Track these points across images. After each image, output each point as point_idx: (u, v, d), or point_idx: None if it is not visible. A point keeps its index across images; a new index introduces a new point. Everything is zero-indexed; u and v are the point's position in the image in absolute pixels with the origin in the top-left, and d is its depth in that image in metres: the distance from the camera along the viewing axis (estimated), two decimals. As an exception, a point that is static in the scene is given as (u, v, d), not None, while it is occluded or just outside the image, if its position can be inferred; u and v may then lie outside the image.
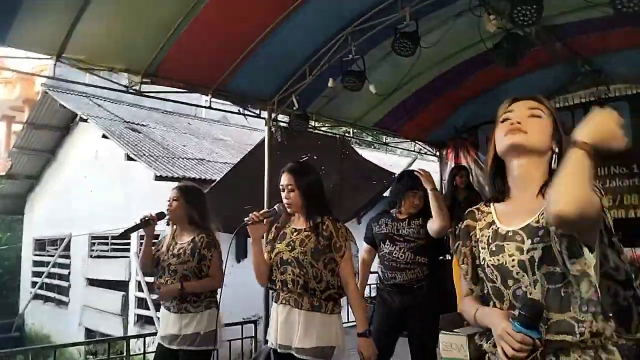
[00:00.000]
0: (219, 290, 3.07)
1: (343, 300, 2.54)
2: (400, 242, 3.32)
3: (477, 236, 1.47)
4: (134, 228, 2.99)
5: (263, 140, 5.41)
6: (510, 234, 1.36)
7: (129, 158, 8.04)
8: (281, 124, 5.35)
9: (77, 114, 9.80)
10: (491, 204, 1.49)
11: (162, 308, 3.08)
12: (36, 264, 12.61)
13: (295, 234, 2.52)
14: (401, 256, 3.28)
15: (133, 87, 4.33)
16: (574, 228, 1.18)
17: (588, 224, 1.17)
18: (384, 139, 7.54)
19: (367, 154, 8.67)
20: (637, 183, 5.52)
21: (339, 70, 4.49)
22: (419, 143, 7.41)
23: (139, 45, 4.04)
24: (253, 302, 5.37)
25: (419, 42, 4.03)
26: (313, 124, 5.74)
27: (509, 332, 1.23)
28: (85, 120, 9.48)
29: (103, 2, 3.47)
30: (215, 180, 7.08)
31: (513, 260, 1.32)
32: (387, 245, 3.35)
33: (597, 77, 5.58)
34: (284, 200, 2.51)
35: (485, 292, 1.44)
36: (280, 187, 2.53)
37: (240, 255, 7.64)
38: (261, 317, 5.07)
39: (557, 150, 1.37)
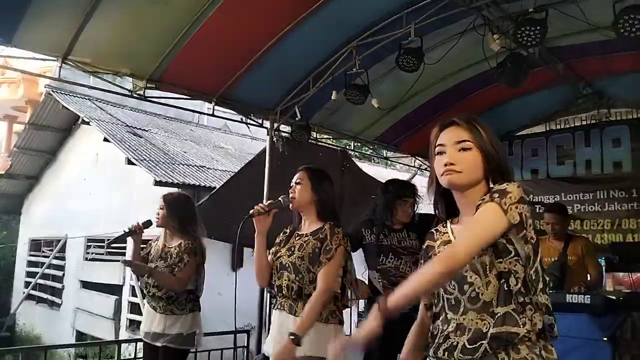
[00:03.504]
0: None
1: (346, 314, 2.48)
2: (405, 256, 3.20)
3: (436, 253, 1.59)
4: (122, 236, 3.20)
5: (264, 150, 5.42)
6: None
7: (130, 162, 8.05)
8: (283, 134, 5.37)
9: (79, 117, 9.82)
10: (448, 225, 1.61)
11: (147, 306, 3.24)
12: (31, 264, 12.55)
13: (297, 238, 2.48)
14: (408, 271, 3.10)
15: (137, 92, 4.35)
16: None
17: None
18: (385, 153, 7.55)
19: (367, 167, 8.67)
20: (635, 207, 5.51)
21: (343, 83, 4.51)
22: (419, 159, 7.42)
23: (145, 50, 4.06)
24: (247, 311, 5.34)
25: (423, 58, 4.05)
26: (315, 136, 5.76)
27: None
28: (88, 123, 9.50)
29: (111, 7, 3.49)
30: (214, 187, 7.08)
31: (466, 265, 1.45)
32: (391, 259, 3.21)
33: (598, 100, 5.61)
34: (290, 195, 2.47)
35: (438, 309, 1.54)
36: (290, 185, 2.50)
37: (236, 263, 7.61)
38: (254, 327, 5.04)
39: (493, 166, 1.50)
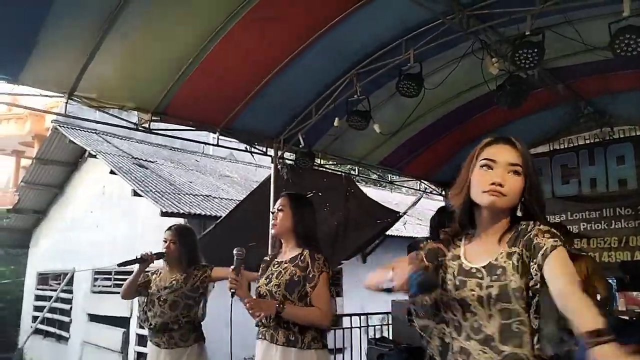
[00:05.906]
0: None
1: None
2: None
3: (446, 263, 1.55)
4: (133, 261, 3.19)
5: (269, 178, 5.45)
6: (473, 270, 1.46)
7: (136, 194, 8.08)
8: (287, 161, 5.40)
9: (86, 150, 9.92)
10: (461, 240, 1.57)
11: (149, 345, 3.18)
12: (38, 298, 12.51)
13: (276, 266, 2.47)
14: None
15: (142, 125, 4.41)
16: None
17: None
18: (389, 177, 7.55)
19: (372, 191, 8.68)
20: (643, 225, 5.47)
21: (345, 109, 4.56)
22: (425, 182, 7.41)
23: (149, 84, 4.14)
24: (253, 341, 5.28)
25: (423, 83, 4.10)
26: (319, 162, 5.79)
27: None
28: (94, 156, 9.59)
29: (115, 43, 3.57)
30: (220, 216, 7.09)
31: (473, 294, 1.42)
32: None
33: (600, 119, 5.62)
34: (271, 222, 2.49)
35: (444, 323, 1.50)
36: (272, 212, 2.52)
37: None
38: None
39: (523, 199, 1.46)
